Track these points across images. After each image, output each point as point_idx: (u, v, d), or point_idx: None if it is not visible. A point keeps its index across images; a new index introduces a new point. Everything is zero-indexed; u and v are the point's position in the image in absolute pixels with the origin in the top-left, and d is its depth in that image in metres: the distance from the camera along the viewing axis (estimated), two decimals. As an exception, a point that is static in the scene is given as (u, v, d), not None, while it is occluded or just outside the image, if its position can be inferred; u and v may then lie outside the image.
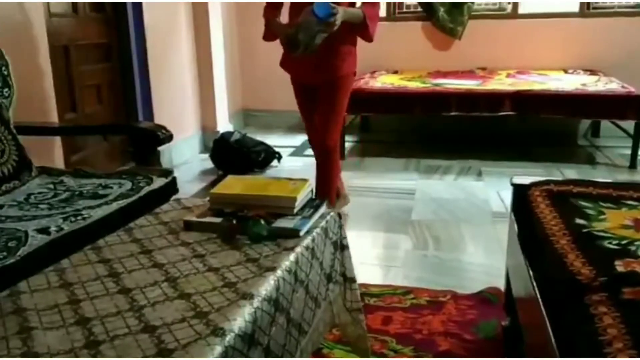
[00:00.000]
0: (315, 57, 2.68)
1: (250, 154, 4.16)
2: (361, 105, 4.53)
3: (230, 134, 4.29)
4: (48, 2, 3.07)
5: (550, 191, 1.82)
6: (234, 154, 4.11)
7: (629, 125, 4.14)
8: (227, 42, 5.05)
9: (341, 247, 1.72)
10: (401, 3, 5.47)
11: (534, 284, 1.43)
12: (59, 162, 2.91)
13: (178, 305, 1.16)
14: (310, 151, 4.75)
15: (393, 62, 5.36)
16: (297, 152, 4.78)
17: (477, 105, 4.27)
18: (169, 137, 2.31)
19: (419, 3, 5.30)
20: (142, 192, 1.96)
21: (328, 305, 1.62)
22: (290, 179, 1.71)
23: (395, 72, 5.22)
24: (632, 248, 1.39)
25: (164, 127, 2.34)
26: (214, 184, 3.48)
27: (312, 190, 1.70)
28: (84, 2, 3.44)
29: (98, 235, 1.55)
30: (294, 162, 4.41)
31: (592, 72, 4.89)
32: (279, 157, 4.35)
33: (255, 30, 4.55)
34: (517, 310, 1.74)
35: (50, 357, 1.01)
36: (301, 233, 1.50)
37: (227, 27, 5.14)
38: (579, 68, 5.02)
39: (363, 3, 2.85)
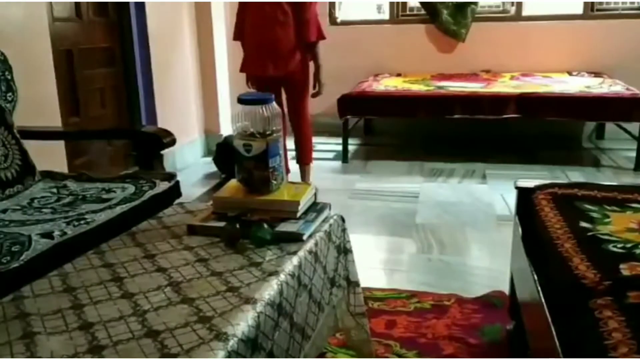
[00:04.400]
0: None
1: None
2: (365, 108, 4.53)
3: (233, 137, 4.29)
4: (52, 7, 3.08)
5: (555, 194, 1.81)
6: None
7: (634, 127, 4.13)
8: (230, 45, 5.05)
9: (344, 250, 1.72)
10: (404, 5, 5.47)
11: (539, 287, 1.43)
12: (62, 166, 2.91)
13: (181, 310, 1.16)
14: (314, 154, 4.76)
15: (396, 65, 5.36)
16: (301, 155, 4.78)
17: (481, 108, 4.26)
18: (172, 141, 2.30)
19: (422, 5, 5.29)
20: (146, 196, 1.96)
21: (331, 309, 1.62)
22: (294, 183, 1.71)
23: (399, 75, 5.22)
24: (637, 251, 1.38)
25: (167, 131, 2.34)
26: (217, 187, 3.48)
27: (315, 194, 1.70)
28: (88, 6, 3.46)
29: (101, 240, 1.55)
30: (297, 166, 4.40)
31: (597, 74, 4.88)
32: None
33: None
34: (522, 314, 1.73)
35: (53, 362, 1.01)
36: (304, 237, 1.50)
37: (231, 30, 5.14)
38: (583, 70, 5.02)
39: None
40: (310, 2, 3.39)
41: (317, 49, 3.50)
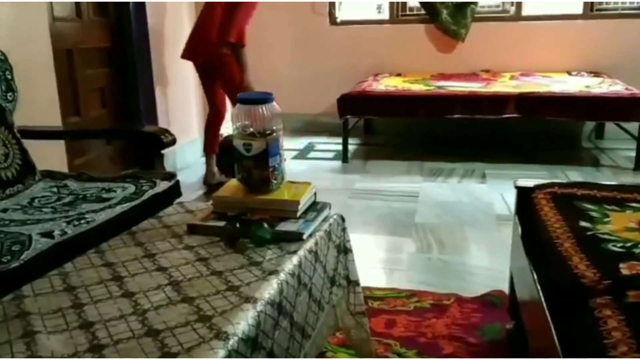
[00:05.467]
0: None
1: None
2: (364, 108, 4.53)
3: (233, 137, 4.29)
4: (52, 7, 3.08)
5: (554, 194, 1.81)
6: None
7: (633, 127, 4.13)
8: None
9: (344, 250, 1.72)
10: (404, 5, 5.48)
11: (538, 287, 1.43)
12: (62, 166, 2.91)
13: (181, 309, 1.16)
14: (314, 154, 4.80)
15: (396, 65, 5.36)
16: (300, 155, 4.79)
17: (481, 108, 4.26)
18: (172, 141, 2.31)
19: (422, 5, 5.30)
20: (146, 196, 1.96)
21: (331, 308, 1.62)
22: (294, 182, 1.71)
23: (399, 75, 5.22)
24: (637, 251, 1.38)
25: (167, 131, 2.34)
26: (217, 187, 3.47)
27: (315, 194, 1.70)
28: (88, 6, 3.46)
29: (101, 239, 1.55)
30: (297, 166, 4.41)
31: (596, 74, 4.88)
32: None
33: (259, 32, 4.56)
34: (521, 313, 1.74)
35: (54, 361, 1.01)
36: (304, 236, 1.50)
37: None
38: (583, 70, 5.02)
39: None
40: (239, 11, 3.69)
41: (240, 50, 3.83)
